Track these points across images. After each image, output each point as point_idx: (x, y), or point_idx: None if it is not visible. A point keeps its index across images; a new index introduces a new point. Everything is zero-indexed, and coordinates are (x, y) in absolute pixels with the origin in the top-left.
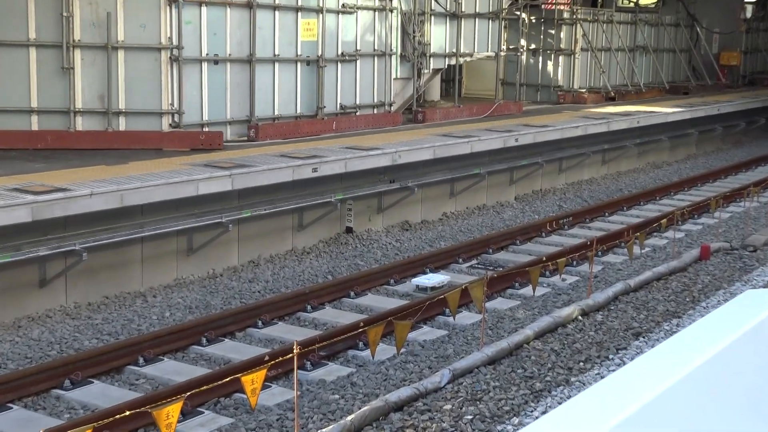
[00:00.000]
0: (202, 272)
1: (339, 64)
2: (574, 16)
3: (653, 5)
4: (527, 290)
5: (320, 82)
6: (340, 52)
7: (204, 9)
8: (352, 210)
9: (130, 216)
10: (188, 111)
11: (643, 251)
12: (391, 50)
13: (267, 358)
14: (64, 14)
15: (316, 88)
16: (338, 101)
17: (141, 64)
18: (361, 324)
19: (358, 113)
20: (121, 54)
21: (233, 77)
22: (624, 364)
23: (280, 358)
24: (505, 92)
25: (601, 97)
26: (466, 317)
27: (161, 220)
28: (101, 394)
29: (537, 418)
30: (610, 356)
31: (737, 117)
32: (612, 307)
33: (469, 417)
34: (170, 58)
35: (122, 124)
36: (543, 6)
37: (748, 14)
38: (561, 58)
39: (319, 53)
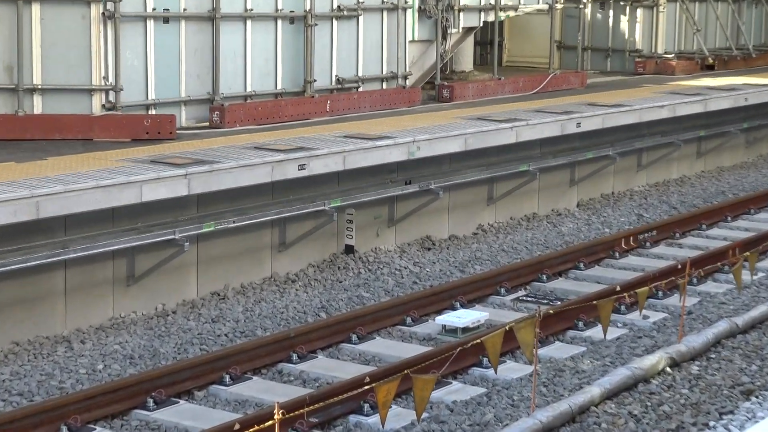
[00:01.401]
0: (148, 308)
1: (334, 22)
2: None
3: None
4: (595, 332)
5: (309, 46)
6: (336, 5)
7: None
8: (354, 222)
9: (49, 232)
10: (127, 87)
11: (754, 278)
12: (406, 2)
13: (237, 426)
14: None
15: (303, 55)
16: (333, 73)
17: (63, 23)
18: (367, 379)
19: (360, 89)
20: (35, 9)
21: (189, 40)
22: None
23: (256, 427)
24: (562, 59)
25: (694, 66)
26: (512, 369)
27: (91, 237)
28: None
29: None
30: (711, 423)
31: None
32: (713, 356)
33: None
34: (103, 14)
35: (37, 105)
36: None
37: None
38: (640, 12)
39: (308, 6)
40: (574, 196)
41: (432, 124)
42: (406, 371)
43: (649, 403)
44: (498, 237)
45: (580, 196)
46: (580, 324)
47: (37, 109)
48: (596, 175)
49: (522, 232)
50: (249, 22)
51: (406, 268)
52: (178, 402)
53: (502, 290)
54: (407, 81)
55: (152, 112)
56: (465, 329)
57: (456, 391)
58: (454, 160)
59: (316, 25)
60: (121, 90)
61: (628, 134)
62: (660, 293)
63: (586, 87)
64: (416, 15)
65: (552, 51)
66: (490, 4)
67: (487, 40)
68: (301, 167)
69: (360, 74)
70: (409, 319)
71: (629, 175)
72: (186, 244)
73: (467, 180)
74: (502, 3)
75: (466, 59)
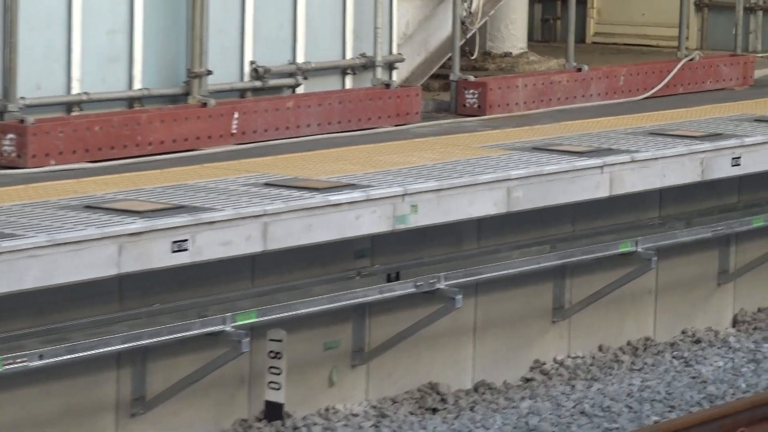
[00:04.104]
0: None
1: None
2: None
3: None
4: None
5: (196, 8)
6: None
7: None
8: (283, 357)
9: None
10: None
11: None
12: None
13: None
14: None
15: (185, 26)
16: (246, 59)
17: None
18: None
19: (300, 89)
20: None
21: None
22: None
23: None
24: (706, 31)
25: None
26: None
27: None
28: None
29: None
30: None
31: None
32: None
33: None
34: None
35: None
36: None
37: None
38: None
39: None
40: (728, 305)
41: (442, 160)
42: None
43: None
44: (574, 386)
45: (741, 305)
46: None
47: None
48: None
49: (621, 376)
50: None
51: None
52: None
53: None
54: (394, 74)
55: None
56: None
57: None
58: (487, 231)
59: None
60: None
61: None
62: None
63: (753, 85)
64: None
65: (686, 16)
66: None
67: None
68: (180, 247)
69: (300, 60)
70: None
71: None
72: None
73: (513, 272)
74: None
75: (513, 31)
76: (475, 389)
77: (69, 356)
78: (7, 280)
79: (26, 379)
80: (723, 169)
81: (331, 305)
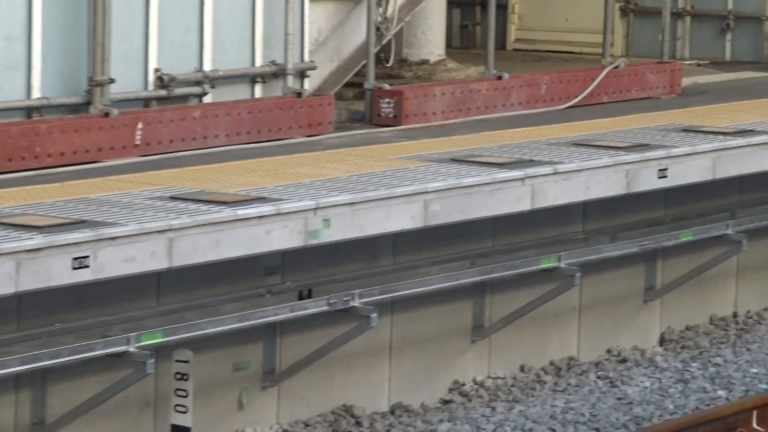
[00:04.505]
0: None
1: None
2: None
3: None
4: None
5: (98, 11)
6: None
7: None
8: (190, 379)
9: None
10: None
11: None
12: None
13: None
14: None
15: (86, 30)
16: (150, 66)
17: None
18: None
19: (207, 98)
20: None
21: None
22: None
23: None
24: (632, 37)
25: None
26: None
27: None
28: None
29: None
30: None
31: None
32: None
33: None
34: None
35: None
36: None
37: None
38: None
39: None
40: (654, 323)
41: (356, 173)
42: None
43: None
44: (495, 408)
45: (668, 323)
46: None
47: None
48: (700, 280)
49: (544, 398)
50: None
51: None
52: None
53: None
54: (306, 82)
55: None
56: None
57: None
58: (403, 246)
59: None
60: None
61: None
62: None
63: (681, 94)
64: None
65: (611, 21)
66: None
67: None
68: (81, 264)
69: (207, 68)
70: None
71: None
72: None
73: (430, 289)
74: None
75: (431, 37)
76: (392, 412)
77: None
78: None
79: None
80: (649, 182)
81: (241, 324)
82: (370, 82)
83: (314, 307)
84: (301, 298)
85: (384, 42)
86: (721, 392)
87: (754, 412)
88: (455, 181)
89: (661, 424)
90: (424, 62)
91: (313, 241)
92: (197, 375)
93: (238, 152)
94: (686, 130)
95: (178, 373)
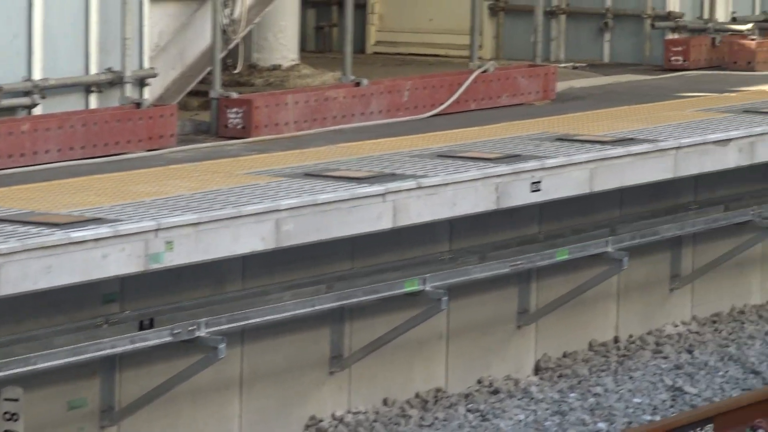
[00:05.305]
0: None
1: None
2: None
3: None
4: None
5: None
6: None
7: None
8: (20, 419)
9: None
10: None
11: None
12: None
13: None
14: None
15: None
16: None
17: None
18: None
19: (36, 110)
20: None
21: None
22: None
23: None
24: (502, 38)
25: None
26: None
27: None
28: None
29: None
30: None
31: None
32: None
33: None
34: None
35: None
36: None
37: None
38: None
39: None
40: (529, 350)
41: (201, 190)
42: None
43: None
44: None
45: (544, 349)
46: None
47: None
48: (578, 303)
49: None
50: None
51: None
52: None
53: None
54: (146, 91)
55: None
56: None
57: None
58: (253, 270)
59: None
60: None
61: (650, 207)
62: None
63: (555, 100)
64: None
65: (479, 21)
66: None
67: None
68: None
69: (36, 76)
70: None
71: (654, 297)
72: None
73: (284, 316)
74: None
75: (283, 41)
76: None
77: None
78: None
79: None
80: (521, 196)
81: (76, 358)
82: (217, 91)
83: (156, 337)
84: (142, 328)
85: (231, 46)
86: (601, 424)
87: None
88: (310, 197)
89: None
90: (276, 68)
91: (155, 266)
92: (28, 414)
93: (72, 169)
94: (561, 139)
95: (7, 412)
